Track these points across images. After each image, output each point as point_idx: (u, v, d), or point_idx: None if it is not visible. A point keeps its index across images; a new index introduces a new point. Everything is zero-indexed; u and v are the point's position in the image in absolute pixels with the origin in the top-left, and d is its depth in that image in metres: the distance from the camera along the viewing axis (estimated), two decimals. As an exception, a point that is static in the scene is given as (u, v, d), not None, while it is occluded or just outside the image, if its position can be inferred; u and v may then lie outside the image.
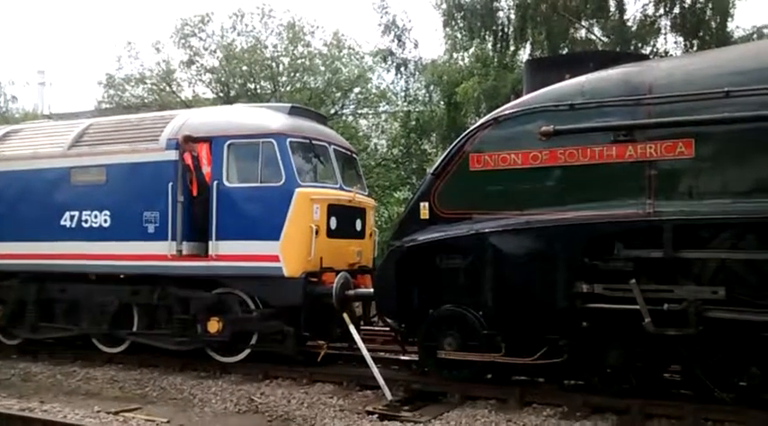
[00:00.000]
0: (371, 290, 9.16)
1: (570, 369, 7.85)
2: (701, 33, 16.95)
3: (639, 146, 7.14)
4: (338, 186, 9.98)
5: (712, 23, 17.01)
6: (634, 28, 17.76)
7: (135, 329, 10.11)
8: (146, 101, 22.98)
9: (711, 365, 7.08)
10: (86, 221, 10.21)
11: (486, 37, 18.84)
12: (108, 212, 10.06)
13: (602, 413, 7.24)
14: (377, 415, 7.36)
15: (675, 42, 17.65)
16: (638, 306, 6.89)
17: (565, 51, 17.35)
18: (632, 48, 16.93)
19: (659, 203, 6.99)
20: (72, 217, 10.32)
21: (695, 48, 16.57)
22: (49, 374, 9.84)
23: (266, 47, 22.54)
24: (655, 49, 17.44)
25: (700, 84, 7.02)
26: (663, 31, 17.65)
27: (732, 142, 6.79)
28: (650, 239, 7.00)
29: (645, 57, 10.47)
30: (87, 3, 68.67)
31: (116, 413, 7.56)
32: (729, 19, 16.92)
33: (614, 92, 7.42)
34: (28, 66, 73.01)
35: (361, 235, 10.25)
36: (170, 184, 9.59)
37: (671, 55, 16.76)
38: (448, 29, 19.26)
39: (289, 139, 9.36)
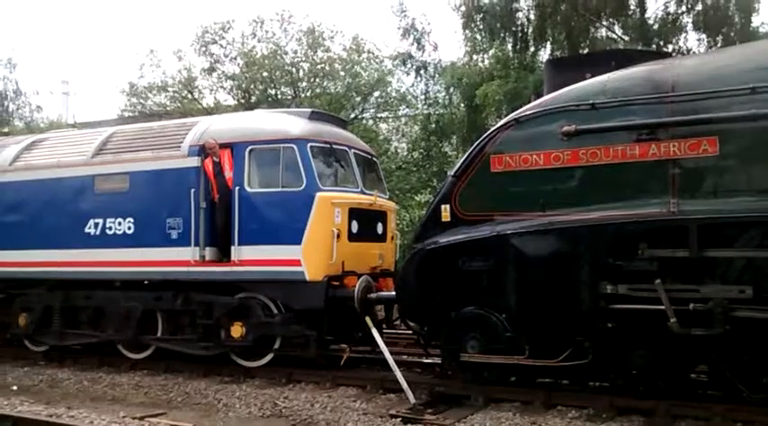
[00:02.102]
0: (393, 293, 9.15)
1: (595, 371, 7.78)
2: (725, 30, 16.71)
3: (663, 144, 7.06)
4: (359, 190, 9.98)
5: (736, 20, 16.77)
6: (656, 26, 17.57)
7: (159, 335, 10.18)
8: (168, 108, 23.18)
9: (739, 365, 6.97)
10: (110, 228, 10.31)
11: (506, 38, 18.75)
12: (132, 219, 10.15)
13: (629, 415, 7.16)
14: (400, 419, 7.33)
15: (698, 40, 17.46)
16: (663, 307, 6.80)
17: (585, 51, 17.21)
18: (654, 46, 16.74)
19: (683, 202, 6.90)
20: (96, 225, 10.42)
21: (719, 46, 16.35)
22: (75, 380, 9.94)
23: (286, 53, 22.64)
24: (677, 47, 17.25)
25: (724, 81, 6.93)
26: (685, 29, 17.48)
27: (758, 139, 6.67)
28: (675, 238, 6.91)
29: (667, 56, 10.35)
30: (110, 13, 69.61)
31: (141, 419, 7.62)
32: (754, 14, 16.73)
33: (636, 90, 7.34)
34: (52, 77, 73.96)
35: (382, 238, 10.25)
36: (192, 190, 9.65)
37: (694, 52, 16.56)
38: (467, 31, 19.18)
39: (309, 144, 9.39)
